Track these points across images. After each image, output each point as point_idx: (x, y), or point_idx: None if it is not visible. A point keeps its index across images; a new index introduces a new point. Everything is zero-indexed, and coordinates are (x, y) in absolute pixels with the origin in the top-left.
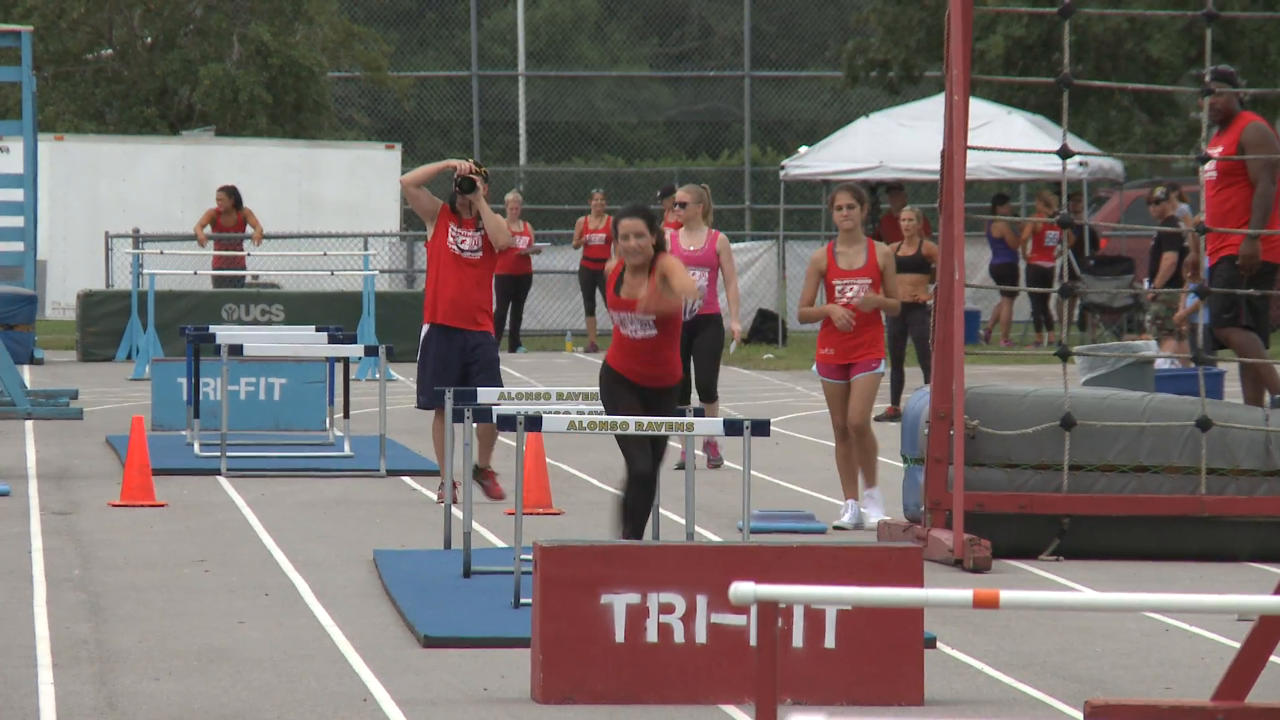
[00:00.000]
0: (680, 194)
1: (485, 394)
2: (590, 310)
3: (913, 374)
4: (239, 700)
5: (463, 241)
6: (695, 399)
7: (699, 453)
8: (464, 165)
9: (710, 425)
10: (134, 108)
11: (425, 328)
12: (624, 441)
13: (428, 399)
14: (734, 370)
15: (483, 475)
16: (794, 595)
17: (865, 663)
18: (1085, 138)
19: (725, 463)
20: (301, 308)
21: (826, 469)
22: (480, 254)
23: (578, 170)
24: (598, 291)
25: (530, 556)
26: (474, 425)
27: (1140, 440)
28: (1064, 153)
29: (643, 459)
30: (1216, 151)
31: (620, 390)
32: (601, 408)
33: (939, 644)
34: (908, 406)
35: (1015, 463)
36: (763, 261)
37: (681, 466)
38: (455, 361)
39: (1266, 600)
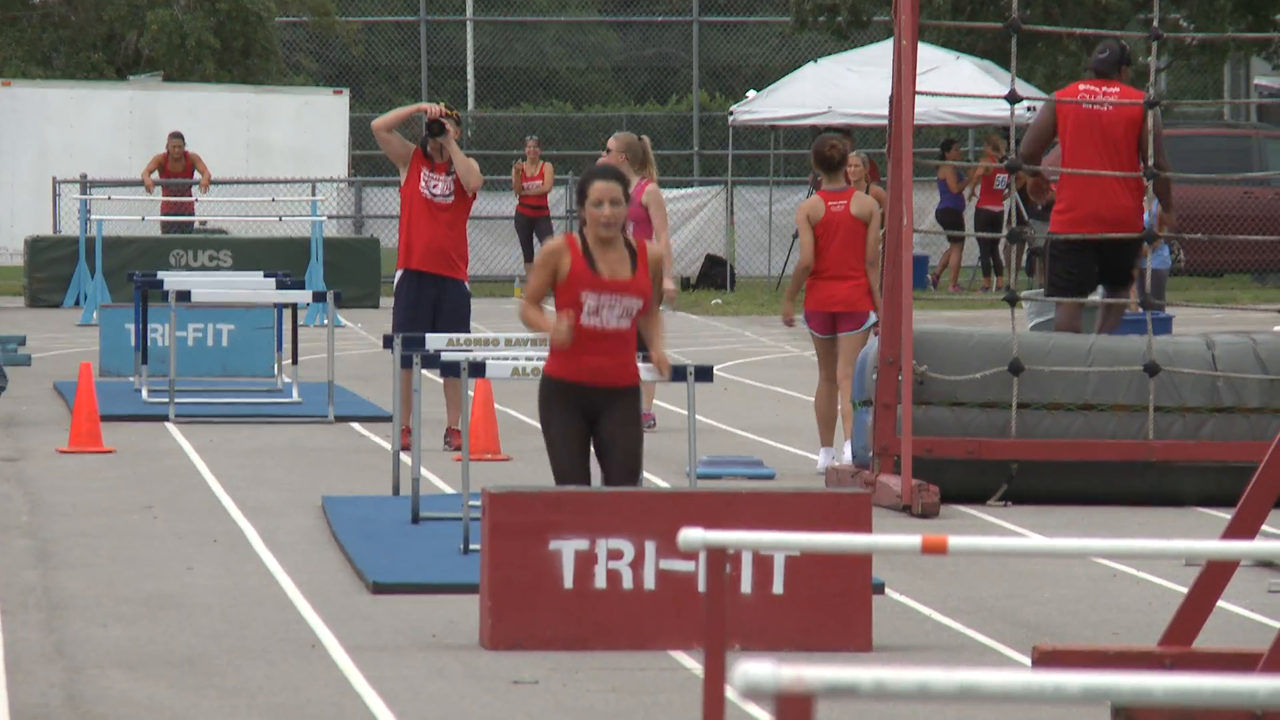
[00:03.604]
0: (610, 141)
1: (433, 340)
2: (529, 257)
3: None
4: (187, 646)
5: (434, 186)
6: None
7: None
8: (434, 109)
9: (651, 373)
10: (81, 53)
11: (399, 273)
12: (557, 460)
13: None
14: (682, 316)
15: (451, 436)
16: (742, 541)
17: (814, 609)
18: (1033, 82)
19: (671, 408)
20: (249, 253)
21: (775, 415)
22: (452, 198)
23: (526, 115)
24: (534, 238)
25: (479, 502)
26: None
27: (1086, 378)
28: (1012, 97)
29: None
30: None
31: (562, 414)
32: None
33: (887, 590)
34: None
35: (961, 400)
36: (711, 207)
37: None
38: (426, 308)
39: (1213, 545)
